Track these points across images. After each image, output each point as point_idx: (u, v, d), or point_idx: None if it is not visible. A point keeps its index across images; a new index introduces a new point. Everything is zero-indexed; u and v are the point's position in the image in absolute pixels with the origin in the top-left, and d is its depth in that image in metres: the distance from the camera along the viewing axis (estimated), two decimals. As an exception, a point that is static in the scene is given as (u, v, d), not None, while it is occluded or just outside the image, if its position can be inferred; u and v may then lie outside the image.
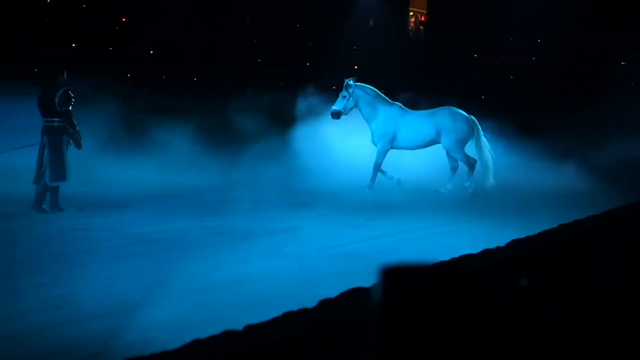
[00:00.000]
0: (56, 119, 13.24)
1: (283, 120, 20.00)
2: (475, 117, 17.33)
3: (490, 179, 17.04)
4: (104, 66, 23.36)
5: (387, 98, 17.53)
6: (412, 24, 35.77)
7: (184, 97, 23.49)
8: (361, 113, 17.30)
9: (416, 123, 17.39)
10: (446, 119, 17.48)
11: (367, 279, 8.31)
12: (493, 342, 1.78)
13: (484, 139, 17.26)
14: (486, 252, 4.59)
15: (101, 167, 16.23)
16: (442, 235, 11.83)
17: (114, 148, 17.37)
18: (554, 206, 13.84)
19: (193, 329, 6.12)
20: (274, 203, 14.66)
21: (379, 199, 15.51)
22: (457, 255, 4.65)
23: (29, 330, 6.73)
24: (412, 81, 27.26)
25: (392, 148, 17.40)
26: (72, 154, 13.49)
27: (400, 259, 8.59)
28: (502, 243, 4.96)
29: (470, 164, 17.24)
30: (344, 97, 17.06)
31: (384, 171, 17.18)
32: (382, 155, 17.25)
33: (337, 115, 17.07)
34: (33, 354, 6.20)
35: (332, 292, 4.45)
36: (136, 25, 27.63)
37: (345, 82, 17.15)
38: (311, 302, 3.72)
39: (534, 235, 5.36)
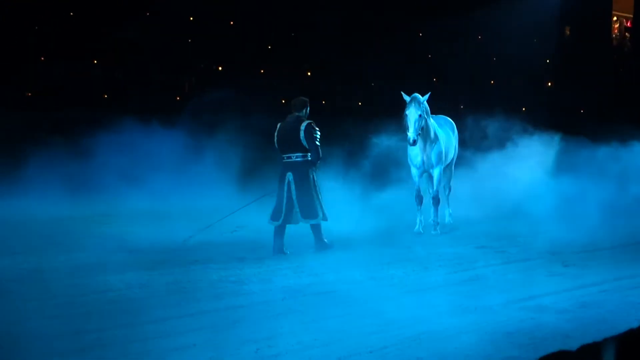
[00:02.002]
0: (299, 154, 14.08)
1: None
2: None
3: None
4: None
5: None
6: (615, 30, 35.00)
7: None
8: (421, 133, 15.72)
9: (446, 135, 16.71)
10: (455, 129, 17.19)
11: (568, 339, 8.16)
12: None
13: None
14: None
15: (252, 209, 16.57)
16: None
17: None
18: None
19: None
20: (452, 248, 14.58)
21: (577, 239, 15.18)
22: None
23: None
24: (617, 95, 26.68)
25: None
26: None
27: (607, 313, 8.43)
28: None
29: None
30: (420, 116, 15.43)
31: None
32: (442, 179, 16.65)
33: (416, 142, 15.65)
34: None
35: (526, 356, 4.42)
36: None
37: (418, 98, 15.52)
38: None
39: None
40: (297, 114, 14.23)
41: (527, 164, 18.46)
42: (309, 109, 14.34)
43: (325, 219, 14.24)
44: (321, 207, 14.18)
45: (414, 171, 16.40)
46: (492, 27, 30.14)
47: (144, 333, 8.84)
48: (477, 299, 10.50)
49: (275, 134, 14.27)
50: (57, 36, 26.39)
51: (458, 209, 17.47)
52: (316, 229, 14.24)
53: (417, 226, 16.29)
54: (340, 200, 16.92)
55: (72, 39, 26.48)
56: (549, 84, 30.87)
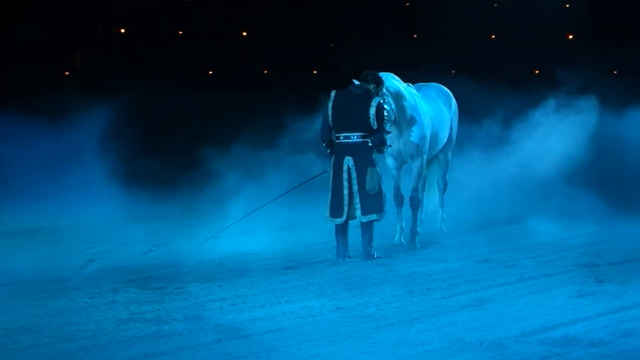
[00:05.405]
0: (359, 134, 14.88)
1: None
2: None
3: None
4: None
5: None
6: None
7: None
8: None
9: (438, 110, 16.87)
10: (452, 101, 17.34)
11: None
12: None
13: None
14: None
15: (169, 221, 16.53)
16: None
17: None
18: None
19: None
20: (445, 263, 14.63)
21: (615, 245, 15.29)
22: None
23: None
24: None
25: None
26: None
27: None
28: None
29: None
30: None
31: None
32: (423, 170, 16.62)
33: None
34: None
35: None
36: None
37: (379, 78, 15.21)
38: None
39: None
40: (366, 85, 14.94)
41: (543, 146, 18.54)
42: (379, 88, 14.97)
43: (385, 215, 15.20)
44: (385, 199, 15.10)
45: (390, 162, 16.31)
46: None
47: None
48: (482, 331, 10.55)
49: (330, 105, 14.96)
50: None
51: (452, 209, 17.52)
52: (369, 229, 15.02)
53: (397, 236, 16.32)
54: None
55: None
56: (570, 37, 31.03)
